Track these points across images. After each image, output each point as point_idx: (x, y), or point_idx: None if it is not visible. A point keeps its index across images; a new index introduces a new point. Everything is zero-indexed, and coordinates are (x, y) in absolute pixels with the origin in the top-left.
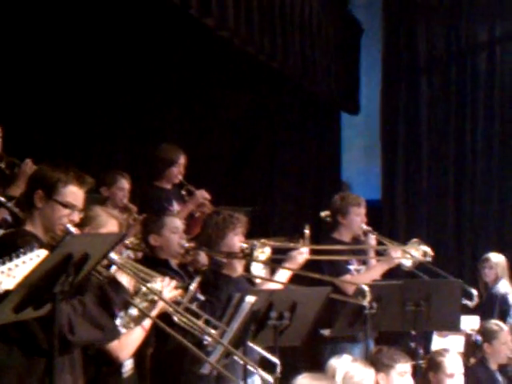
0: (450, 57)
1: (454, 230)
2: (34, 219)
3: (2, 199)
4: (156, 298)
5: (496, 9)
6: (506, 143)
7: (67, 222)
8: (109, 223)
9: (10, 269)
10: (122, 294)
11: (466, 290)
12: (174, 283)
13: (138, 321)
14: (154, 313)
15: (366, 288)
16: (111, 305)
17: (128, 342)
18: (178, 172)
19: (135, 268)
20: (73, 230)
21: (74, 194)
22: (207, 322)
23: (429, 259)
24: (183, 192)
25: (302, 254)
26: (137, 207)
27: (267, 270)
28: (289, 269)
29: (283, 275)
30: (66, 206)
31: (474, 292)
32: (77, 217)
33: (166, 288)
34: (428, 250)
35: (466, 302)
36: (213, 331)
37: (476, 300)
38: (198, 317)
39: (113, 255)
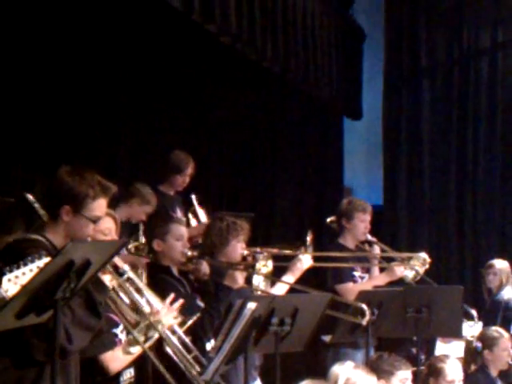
0: (452, 62)
1: (455, 235)
2: (57, 228)
3: (31, 198)
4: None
5: (498, 14)
6: (507, 148)
7: (92, 233)
8: (104, 220)
9: (16, 276)
10: (104, 293)
11: (467, 310)
12: (176, 305)
13: (133, 346)
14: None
15: (365, 307)
16: (96, 306)
17: (120, 356)
18: (182, 181)
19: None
20: (88, 238)
21: (101, 206)
22: (196, 360)
23: (426, 267)
24: (189, 214)
25: (302, 261)
26: None
27: (268, 282)
28: (288, 283)
29: (282, 287)
30: (94, 220)
31: (474, 313)
32: (101, 225)
33: (167, 315)
34: (426, 256)
35: (466, 322)
36: (198, 369)
37: (476, 322)
38: (189, 352)
39: (126, 267)
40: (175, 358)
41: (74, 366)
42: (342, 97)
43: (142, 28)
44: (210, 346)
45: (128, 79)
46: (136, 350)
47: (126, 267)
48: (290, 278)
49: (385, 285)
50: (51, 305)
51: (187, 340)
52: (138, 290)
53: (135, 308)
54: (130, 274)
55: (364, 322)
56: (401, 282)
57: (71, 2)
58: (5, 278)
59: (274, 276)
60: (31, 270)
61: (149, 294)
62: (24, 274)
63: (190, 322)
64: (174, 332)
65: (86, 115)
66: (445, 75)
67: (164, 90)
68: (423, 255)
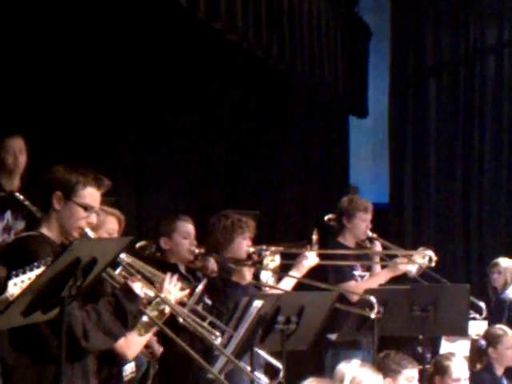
0: (458, 60)
1: (461, 234)
2: (50, 221)
3: (21, 197)
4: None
5: (503, 12)
6: None
7: (85, 225)
8: (107, 221)
9: (22, 281)
10: (135, 302)
11: (474, 302)
12: (179, 284)
13: (148, 328)
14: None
15: (373, 300)
16: (126, 314)
17: (135, 340)
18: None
19: (144, 268)
20: (91, 234)
21: (93, 195)
22: (213, 325)
23: (433, 264)
24: None
25: (307, 258)
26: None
27: (276, 277)
28: (295, 277)
29: (289, 282)
30: (84, 207)
31: (483, 305)
32: (94, 219)
33: (174, 288)
34: (431, 254)
35: (474, 315)
36: (218, 333)
37: (484, 314)
38: (203, 319)
39: (121, 255)
40: (191, 328)
41: (92, 364)
42: (347, 95)
43: (147, 26)
44: (217, 343)
45: (132, 78)
46: (151, 330)
47: (121, 255)
48: (295, 275)
49: (390, 282)
50: (58, 302)
51: (199, 308)
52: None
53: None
54: (127, 259)
55: (373, 314)
56: (404, 277)
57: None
58: (11, 283)
59: (280, 278)
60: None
61: (151, 273)
62: (30, 278)
63: (198, 290)
64: (183, 304)
65: (88, 116)
66: (451, 73)
67: (168, 88)
68: (429, 252)
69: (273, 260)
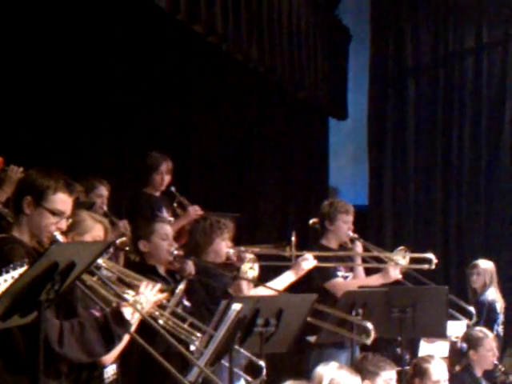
0: (437, 63)
1: (441, 235)
2: (21, 225)
3: None
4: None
5: (482, 15)
6: (492, 148)
7: (55, 230)
8: (95, 228)
9: None
10: (123, 328)
11: (465, 307)
12: (158, 286)
13: None
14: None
15: (370, 326)
16: (113, 337)
17: None
18: (160, 179)
19: (121, 272)
20: (60, 237)
21: (63, 201)
22: (193, 326)
23: (433, 267)
24: (175, 204)
25: (307, 260)
26: (126, 213)
27: (252, 285)
28: (272, 288)
29: (284, 282)
30: (54, 213)
31: (473, 310)
32: (64, 224)
33: (150, 293)
34: (432, 257)
35: (465, 320)
36: (199, 334)
37: (475, 319)
38: (183, 321)
39: (98, 260)
40: (172, 330)
41: (63, 365)
42: (327, 97)
43: (128, 28)
44: (192, 347)
45: (112, 80)
46: (126, 336)
47: (99, 260)
48: (291, 276)
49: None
50: (35, 306)
51: (179, 310)
52: (119, 278)
53: (117, 295)
54: (105, 264)
55: (369, 341)
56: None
57: (64, 4)
58: None
59: (260, 277)
60: (13, 278)
61: (130, 277)
62: (6, 280)
63: (178, 291)
64: (163, 307)
65: (70, 118)
66: (430, 76)
67: (149, 91)
68: (430, 255)
69: (252, 268)
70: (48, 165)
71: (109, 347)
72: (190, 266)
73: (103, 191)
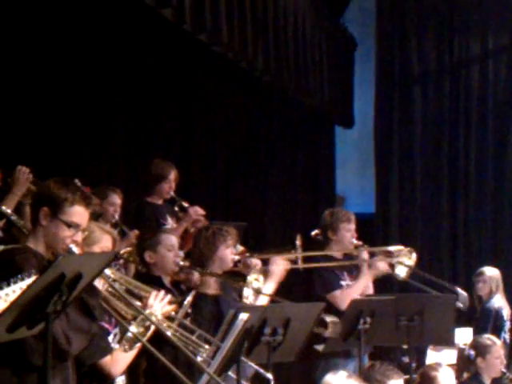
0: (443, 70)
1: (448, 242)
2: (37, 235)
3: (9, 211)
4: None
5: (487, 22)
6: (499, 155)
7: (70, 243)
8: (103, 239)
9: (7, 294)
10: (96, 297)
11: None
12: (167, 298)
13: (132, 344)
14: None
15: (328, 319)
16: (90, 309)
17: (120, 357)
18: (168, 188)
19: (129, 283)
20: (75, 250)
21: (80, 214)
22: (201, 338)
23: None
24: (176, 208)
25: (279, 265)
26: (131, 223)
27: (257, 296)
28: (272, 296)
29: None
30: (70, 225)
31: (464, 294)
32: (80, 237)
33: (159, 304)
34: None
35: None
36: (207, 347)
37: (467, 303)
38: (192, 332)
39: (106, 270)
40: (179, 343)
41: (72, 371)
42: (333, 105)
43: (134, 37)
44: (199, 358)
45: (118, 89)
46: (136, 346)
47: (107, 271)
48: (271, 284)
49: (379, 291)
50: (43, 318)
51: (187, 322)
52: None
53: (128, 304)
54: (113, 275)
55: (327, 333)
56: (394, 284)
57: (67, 9)
58: None
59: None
60: (21, 288)
61: (139, 288)
62: (14, 291)
63: (186, 302)
64: (172, 319)
65: (77, 125)
66: (436, 83)
67: (155, 100)
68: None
69: (257, 279)
70: (65, 176)
71: (93, 319)
72: (196, 277)
73: (116, 199)
